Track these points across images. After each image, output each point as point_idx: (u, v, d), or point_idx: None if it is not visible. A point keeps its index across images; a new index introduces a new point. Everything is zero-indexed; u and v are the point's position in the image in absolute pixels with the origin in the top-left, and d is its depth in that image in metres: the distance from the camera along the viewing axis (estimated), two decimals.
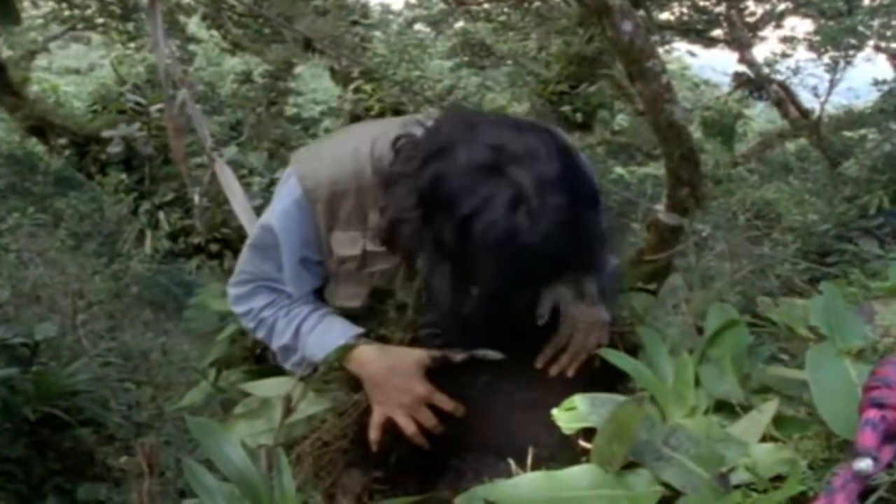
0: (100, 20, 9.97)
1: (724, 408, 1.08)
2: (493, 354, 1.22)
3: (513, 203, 1.01)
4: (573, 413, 1.06)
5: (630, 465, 0.98)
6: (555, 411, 1.12)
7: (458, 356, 1.23)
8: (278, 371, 1.48)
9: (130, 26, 9.94)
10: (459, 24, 11.62)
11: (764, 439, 1.00)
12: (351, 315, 1.39)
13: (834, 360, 0.94)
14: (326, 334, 1.33)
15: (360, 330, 1.32)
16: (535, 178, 1.02)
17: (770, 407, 1.01)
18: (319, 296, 1.42)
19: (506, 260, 1.03)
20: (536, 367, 1.28)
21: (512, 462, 1.09)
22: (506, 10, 10.41)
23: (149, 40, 9.91)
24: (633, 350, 1.34)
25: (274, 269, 1.38)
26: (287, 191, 1.32)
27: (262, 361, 1.79)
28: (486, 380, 1.23)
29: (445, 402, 1.23)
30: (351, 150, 1.28)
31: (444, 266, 1.07)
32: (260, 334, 1.43)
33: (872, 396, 0.82)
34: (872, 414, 0.81)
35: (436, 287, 1.11)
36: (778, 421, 1.01)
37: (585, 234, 1.07)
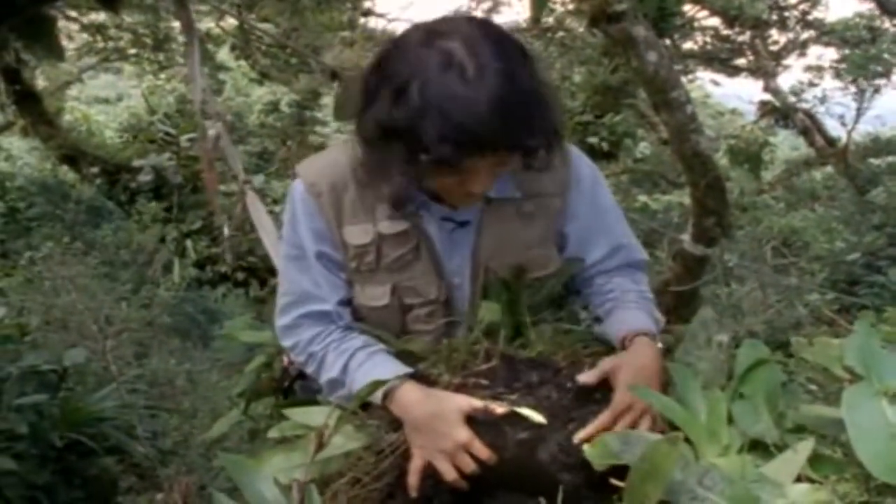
0: (132, 51, 10.19)
1: (757, 447, 1.06)
2: (536, 416, 1.20)
3: (444, 64, 1.12)
4: (604, 450, 1.06)
5: None
6: (586, 447, 1.12)
7: (501, 409, 1.22)
8: (306, 404, 1.48)
9: (162, 57, 10.16)
10: None
11: (799, 480, 0.99)
12: (379, 317, 1.42)
13: (871, 401, 0.93)
14: (374, 371, 1.33)
15: (408, 370, 1.31)
16: (463, 42, 1.14)
17: (806, 447, 1.00)
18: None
19: (446, 117, 1.10)
20: (578, 439, 1.21)
21: (543, 501, 1.08)
22: (529, 39, 10.49)
23: (180, 71, 10.13)
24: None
25: (310, 284, 1.41)
26: (292, 193, 1.42)
27: (289, 393, 1.79)
28: (526, 437, 1.21)
29: (483, 452, 1.21)
30: (344, 147, 1.37)
31: (394, 143, 1.16)
32: (310, 369, 1.45)
33: None
34: None
35: (391, 167, 1.19)
36: (814, 461, 1.00)
37: (523, 84, 1.14)
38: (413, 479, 1.23)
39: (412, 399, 1.26)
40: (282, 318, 1.46)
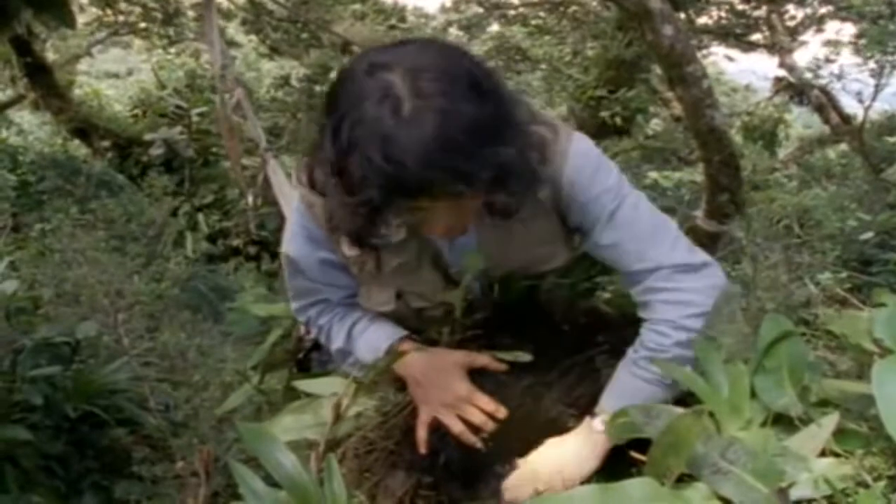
0: (142, 25, 10.18)
1: (781, 421, 1.05)
2: (523, 356, 1.23)
3: (379, 99, 0.99)
4: (626, 423, 1.05)
5: (685, 478, 0.95)
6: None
7: (498, 364, 1.25)
8: (320, 378, 1.50)
9: (171, 31, 10.14)
10: (494, 28, 11.62)
11: (823, 454, 0.98)
12: (392, 319, 1.41)
13: None
14: (375, 336, 1.37)
15: (406, 332, 1.35)
16: (405, 74, 0.99)
17: (831, 420, 0.99)
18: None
19: (369, 158, 0.97)
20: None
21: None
22: (541, 14, 10.39)
23: (190, 46, 10.08)
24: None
25: (307, 281, 1.42)
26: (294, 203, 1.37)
27: (303, 365, 1.79)
28: (529, 383, 1.24)
29: (487, 403, 1.23)
30: None
31: (333, 181, 1.05)
32: (322, 339, 1.49)
33: None
34: None
35: (332, 205, 1.09)
36: (839, 435, 0.98)
37: (466, 124, 0.98)
38: (421, 433, 1.25)
39: (412, 357, 1.29)
40: (293, 302, 1.49)
